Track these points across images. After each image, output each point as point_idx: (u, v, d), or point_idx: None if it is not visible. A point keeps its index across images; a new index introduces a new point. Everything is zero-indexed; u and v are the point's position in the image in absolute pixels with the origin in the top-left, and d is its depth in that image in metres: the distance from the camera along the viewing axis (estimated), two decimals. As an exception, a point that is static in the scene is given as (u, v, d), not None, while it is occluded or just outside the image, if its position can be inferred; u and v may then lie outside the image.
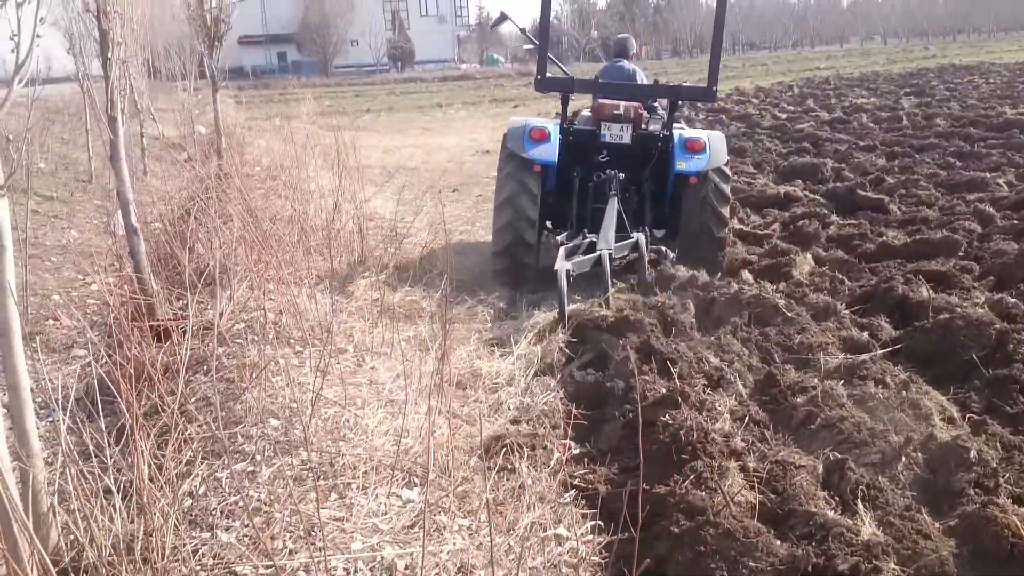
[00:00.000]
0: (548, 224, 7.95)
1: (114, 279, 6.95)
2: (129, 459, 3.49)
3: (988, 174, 10.83)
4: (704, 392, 4.69)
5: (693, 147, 7.30)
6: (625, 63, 8.56)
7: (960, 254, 7.44)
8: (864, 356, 5.29)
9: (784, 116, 19.72)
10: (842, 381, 4.84)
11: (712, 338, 5.72)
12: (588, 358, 5.62)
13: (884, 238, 8.00)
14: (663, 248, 7.53)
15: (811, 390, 4.59)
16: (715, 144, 7.41)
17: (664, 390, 4.74)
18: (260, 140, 15.19)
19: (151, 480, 3.40)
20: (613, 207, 7.26)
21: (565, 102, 7.86)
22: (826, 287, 6.89)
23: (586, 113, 8.16)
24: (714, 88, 7.52)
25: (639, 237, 7.01)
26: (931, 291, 6.26)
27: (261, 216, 8.41)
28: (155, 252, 7.20)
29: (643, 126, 7.61)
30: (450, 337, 5.89)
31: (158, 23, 25.36)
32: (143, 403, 4.39)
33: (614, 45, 9.37)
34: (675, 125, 7.73)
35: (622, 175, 7.57)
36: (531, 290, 7.28)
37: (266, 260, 6.69)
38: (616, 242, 6.82)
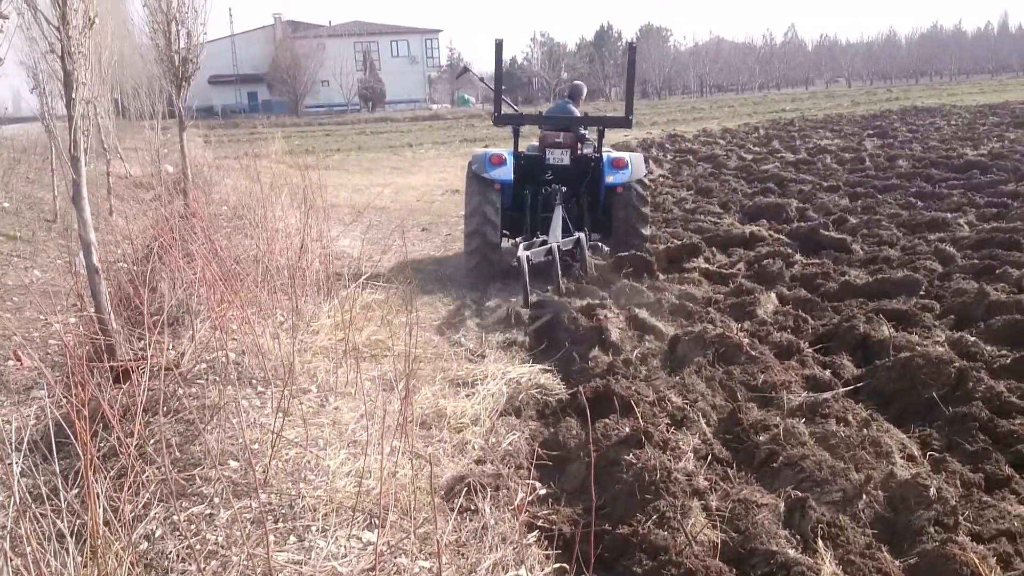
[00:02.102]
0: (506, 232, 9.84)
1: (75, 319, 6.88)
2: (84, 502, 3.43)
3: (949, 214, 11.00)
4: (667, 431, 4.70)
5: (618, 164, 9.39)
6: (570, 104, 10.55)
7: (921, 293, 7.53)
8: (826, 394, 5.33)
9: (750, 157, 19.97)
10: (804, 419, 4.87)
11: (676, 378, 5.75)
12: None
13: (847, 277, 8.08)
14: (600, 244, 9.81)
15: (774, 428, 4.61)
16: (635, 162, 9.53)
17: (628, 430, 4.75)
18: (227, 179, 15.13)
19: (106, 524, 3.34)
20: (558, 213, 9.09)
21: (516, 134, 10.05)
22: (789, 325, 6.95)
23: (534, 143, 10.20)
24: (630, 117, 9.58)
25: (580, 235, 8.82)
26: (892, 330, 6.34)
27: (225, 255, 8.37)
28: (117, 292, 7.13)
29: (579, 150, 9.69)
30: (415, 376, 5.88)
31: (127, 63, 25.36)
32: (100, 445, 4.34)
33: (568, 88, 11.35)
34: (604, 149, 9.86)
35: (564, 188, 9.48)
36: (498, 284, 9.16)
37: (229, 300, 6.66)
38: (562, 239, 8.63)
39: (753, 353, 5.96)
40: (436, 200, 16.89)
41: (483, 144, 30.35)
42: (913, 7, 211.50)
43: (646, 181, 9.66)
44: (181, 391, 5.21)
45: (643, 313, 7.16)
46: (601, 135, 9.96)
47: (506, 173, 9.35)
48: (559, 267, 8.24)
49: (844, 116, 33.53)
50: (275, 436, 4.22)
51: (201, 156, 18.28)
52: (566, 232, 8.90)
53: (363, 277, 7.87)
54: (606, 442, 4.69)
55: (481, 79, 10.95)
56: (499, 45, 9.58)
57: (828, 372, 5.80)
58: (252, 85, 68.91)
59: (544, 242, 8.55)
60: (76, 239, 7.37)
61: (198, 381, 5.40)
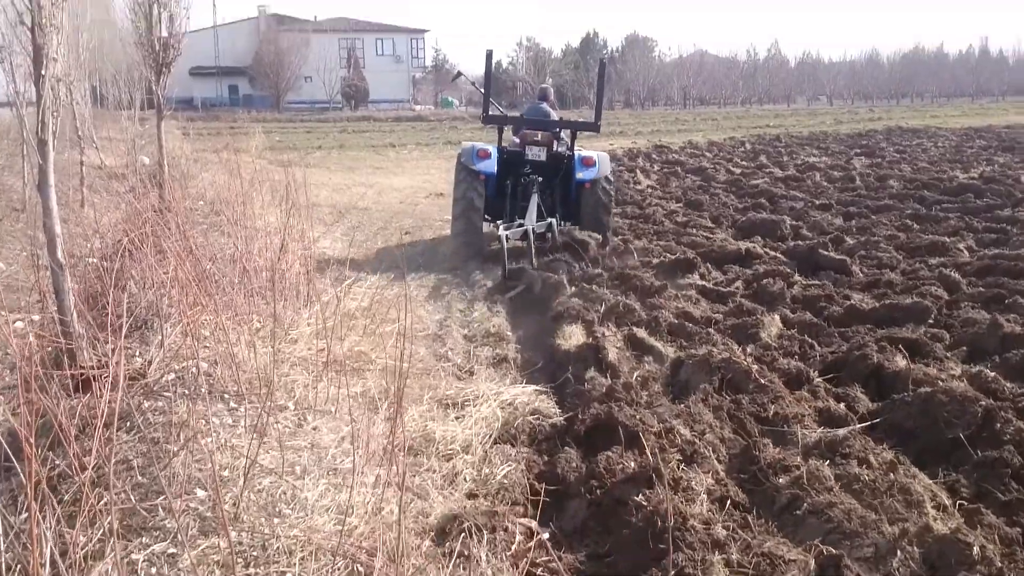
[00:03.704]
0: (488, 217, 11.22)
1: (39, 316, 6.41)
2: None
3: (947, 238, 10.73)
4: (678, 468, 4.32)
5: (587, 162, 10.80)
6: (544, 105, 12.00)
7: (930, 321, 7.20)
8: (842, 431, 4.98)
9: (739, 171, 19.69)
10: (823, 459, 4.52)
11: (681, 406, 5.36)
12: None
13: (851, 301, 7.74)
14: (569, 229, 10.84)
15: (794, 469, 4.25)
16: (602, 161, 10.93)
17: (635, 465, 4.38)
18: (205, 173, 14.63)
19: (52, 565, 2.91)
20: (534, 202, 10.48)
21: (500, 131, 11.71)
22: (795, 351, 6.60)
23: (515, 139, 11.55)
24: (599, 123, 11.51)
25: (552, 221, 10.32)
26: (907, 361, 6.00)
27: (200, 254, 7.93)
28: (84, 290, 6.67)
29: (554, 148, 11.06)
30: (405, 398, 5.47)
31: (107, 49, 24.75)
32: (54, 464, 3.91)
33: (537, 91, 13.11)
34: (576, 148, 11.32)
35: (540, 180, 10.83)
36: (479, 263, 10.24)
37: (203, 303, 6.21)
38: (536, 224, 10.07)
39: (762, 381, 5.60)
40: (420, 203, 16.45)
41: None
42: (895, 28, 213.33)
43: (611, 178, 11.10)
44: (147, 404, 4.78)
45: (641, 332, 6.79)
46: (573, 136, 11.57)
47: (490, 165, 10.69)
48: (533, 247, 9.65)
49: (829, 134, 33.38)
50: (249, 463, 3.80)
51: (179, 148, 17.71)
52: (540, 218, 10.31)
53: (347, 283, 7.46)
54: (610, 478, 4.31)
55: (472, 83, 12.77)
56: (489, 55, 11.38)
57: (842, 405, 5.45)
58: (234, 78, 67.99)
59: (521, 226, 9.99)
60: (41, 230, 6.91)
61: (165, 394, 4.95)
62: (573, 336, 7.07)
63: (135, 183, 13.98)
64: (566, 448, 4.83)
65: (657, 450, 4.61)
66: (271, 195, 11.66)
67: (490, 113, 11.52)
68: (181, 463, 4.02)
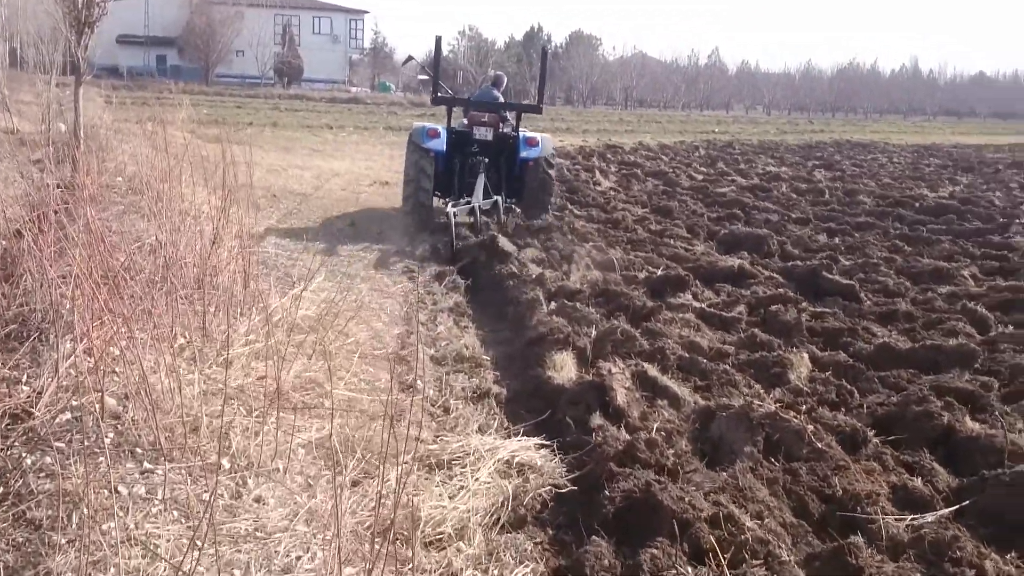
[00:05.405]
0: (438, 193, 11.72)
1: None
2: None
3: (947, 264, 9.89)
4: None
5: (531, 143, 11.56)
6: (494, 90, 12.78)
7: (976, 366, 6.24)
8: (930, 516, 3.96)
9: (701, 177, 18.78)
10: (925, 564, 3.46)
11: (724, 475, 4.25)
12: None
13: (881, 338, 6.75)
14: (513, 206, 11.82)
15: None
16: (545, 142, 11.73)
17: (692, 572, 3.25)
18: (127, 145, 13.05)
19: None
20: (481, 180, 11.17)
21: (449, 113, 12.08)
22: (832, 399, 5.56)
23: (464, 121, 12.11)
24: (541, 105, 12.36)
25: (498, 198, 11.10)
26: (977, 423, 5.00)
27: (115, 243, 6.58)
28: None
29: (500, 129, 11.75)
30: (366, 447, 4.27)
31: (30, 8, 22.77)
32: None
33: (492, 77, 13.97)
34: (521, 129, 11.94)
35: (487, 160, 11.49)
36: (428, 234, 10.71)
37: (113, 309, 4.87)
38: (483, 200, 10.84)
39: (819, 445, 4.52)
40: (363, 191, 15.10)
41: (407, 132, 28.45)
42: (831, 44, 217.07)
43: (551, 159, 11.83)
44: (30, 460, 3.49)
45: (653, 370, 5.65)
46: (518, 118, 12.19)
47: (440, 144, 11.27)
48: (479, 222, 10.41)
49: (779, 143, 32.83)
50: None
51: (99, 117, 16.03)
52: (487, 195, 11.04)
53: (294, 291, 6.19)
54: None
55: (423, 67, 13.88)
56: (438, 41, 12.29)
57: (919, 480, 4.41)
58: (163, 48, 65.16)
59: (468, 202, 10.76)
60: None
61: (57, 443, 3.65)
62: (565, 367, 5.91)
63: (47, 152, 12.40)
64: (594, 539, 3.66)
65: (707, 542, 3.51)
66: (203, 176, 10.26)
67: (439, 95, 12.17)
68: (70, 567, 2.76)
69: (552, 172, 11.76)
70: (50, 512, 3.12)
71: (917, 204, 15.16)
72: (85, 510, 3.11)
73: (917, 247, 11.20)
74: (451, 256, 9.54)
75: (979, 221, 13.43)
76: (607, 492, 3.90)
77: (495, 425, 5.07)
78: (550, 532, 3.86)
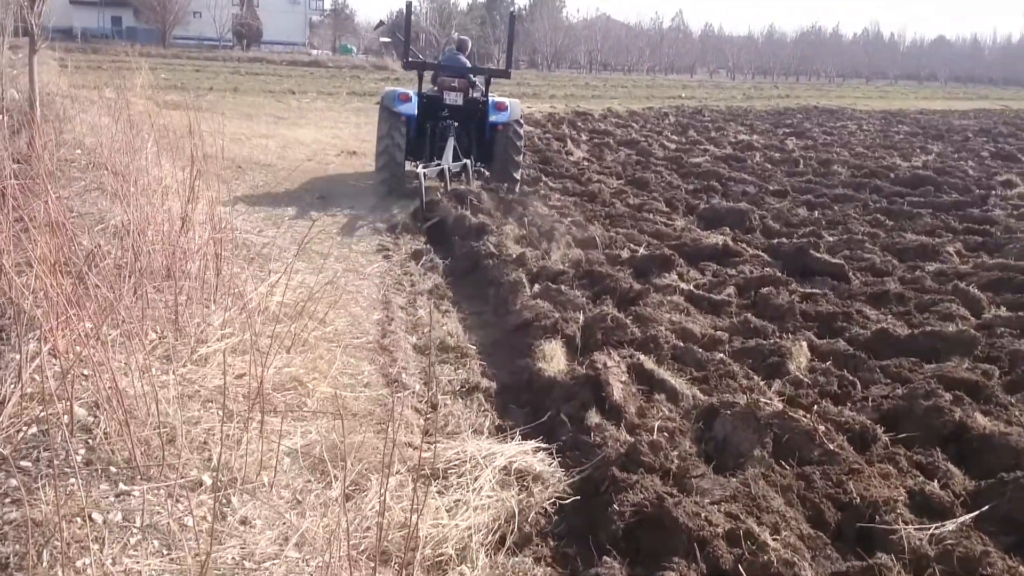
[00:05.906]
0: (409, 156, 11.86)
1: None
2: None
3: (928, 239, 9.75)
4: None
5: (500, 107, 11.70)
6: (461, 56, 12.80)
7: (976, 353, 6.07)
8: (950, 525, 3.77)
9: (674, 147, 18.49)
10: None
11: (734, 481, 4.03)
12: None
13: (877, 323, 6.57)
14: (482, 169, 12.14)
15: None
16: (513, 106, 11.86)
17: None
18: (85, 115, 12.50)
19: None
20: (451, 144, 11.38)
21: (420, 77, 12.35)
22: (833, 391, 5.37)
23: (434, 87, 12.42)
24: (509, 70, 12.52)
25: (467, 162, 11.38)
26: (987, 418, 4.82)
27: (75, 225, 6.21)
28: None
29: (470, 94, 12.05)
30: (356, 455, 3.99)
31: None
32: None
33: (456, 42, 14.08)
34: (490, 94, 12.18)
35: (456, 124, 11.77)
36: (399, 196, 11.31)
37: (79, 302, 4.51)
38: (453, 163, 11.07)
39: (830, 447, 4.31)
40: (332, 162, 14.65)
41: (374, 101, 27.92)
42: (794, 5, 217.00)
43: (521, 122, 12.00)
44: (-11, 485, 3.17)
45: (649, 362, 5.41)
46: (487, 83, 12.46)
47: (411, 108, 11.46)
48: (448, 184, 10.75)
49: (747, 110, 32.61)
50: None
51: (54, 83, 15.38)
52: (456, 158, 11.31)
53: (277, 276, 5.86)
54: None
55: (394, 32, 13.55)
56: (409, 5, 12.37)
57: (936, 483, 4.22)
58: (117, 9, 63.48)
59: (439, 164, 10.96)
60: None
61: (22, 463, 3.34)
62: (555, 358, 5.67)
63: (1, 121, 11.87)
64: (605, 559, 3.42)
65: (729, 561, 3.29)
66: (164, 145, 9.80)
67: (410, 60, 12.33)
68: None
69: (521, 135, 11.95)
70: (17, 547, 2.82)
71: (892, 175, 15.02)
72: (57, 543, 2.81)
73: (899, 221, 11.06)
74: (423, 217, 9.92)
75: (956, 193, 13.30)
76: (616, 506, 3.66)
77: (488, 424, 4.83)
78: (557, 550, 3.61)
